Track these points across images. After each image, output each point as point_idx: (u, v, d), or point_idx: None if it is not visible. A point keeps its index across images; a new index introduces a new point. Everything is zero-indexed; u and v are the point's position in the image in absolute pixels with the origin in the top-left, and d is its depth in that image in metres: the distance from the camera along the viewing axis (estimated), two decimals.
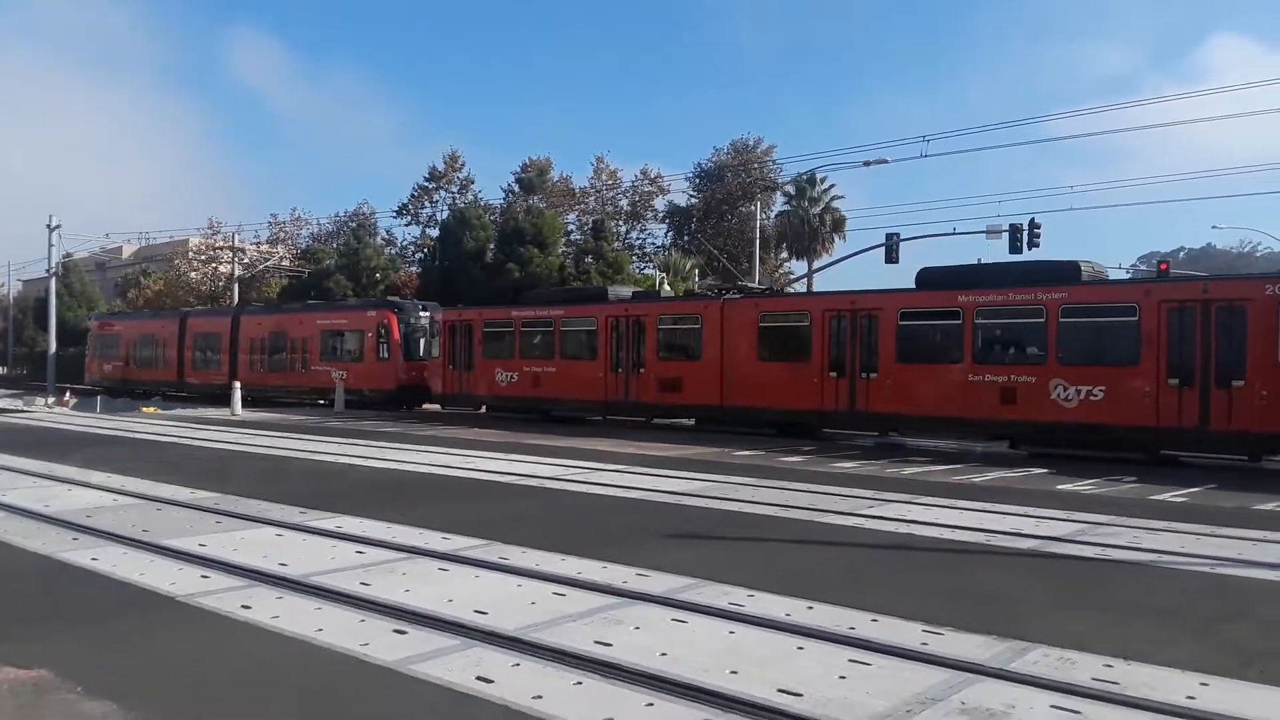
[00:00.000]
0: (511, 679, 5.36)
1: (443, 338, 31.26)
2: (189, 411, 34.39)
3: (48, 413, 33.35)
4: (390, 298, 41.05)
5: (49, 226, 40.35)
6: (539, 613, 6.77)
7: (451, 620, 6.51)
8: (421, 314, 34.82)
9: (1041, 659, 5.83)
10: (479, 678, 5.36)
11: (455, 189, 62.55)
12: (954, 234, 37.42)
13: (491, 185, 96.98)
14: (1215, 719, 4.86)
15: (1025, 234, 32.15)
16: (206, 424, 27.25)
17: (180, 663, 5.77)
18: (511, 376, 29.17)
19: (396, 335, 33.46)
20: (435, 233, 57.50)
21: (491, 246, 47.79)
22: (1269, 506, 13.01)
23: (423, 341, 34.21)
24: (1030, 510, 12.03)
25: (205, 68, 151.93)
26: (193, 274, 69.12)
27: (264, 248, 64.84)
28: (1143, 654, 5.97)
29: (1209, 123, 72.03)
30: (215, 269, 67.15)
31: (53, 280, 42.70)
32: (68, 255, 52.35)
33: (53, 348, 42.52)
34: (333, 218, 67.41)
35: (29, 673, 5.24)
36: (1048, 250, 33.89)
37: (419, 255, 61.62)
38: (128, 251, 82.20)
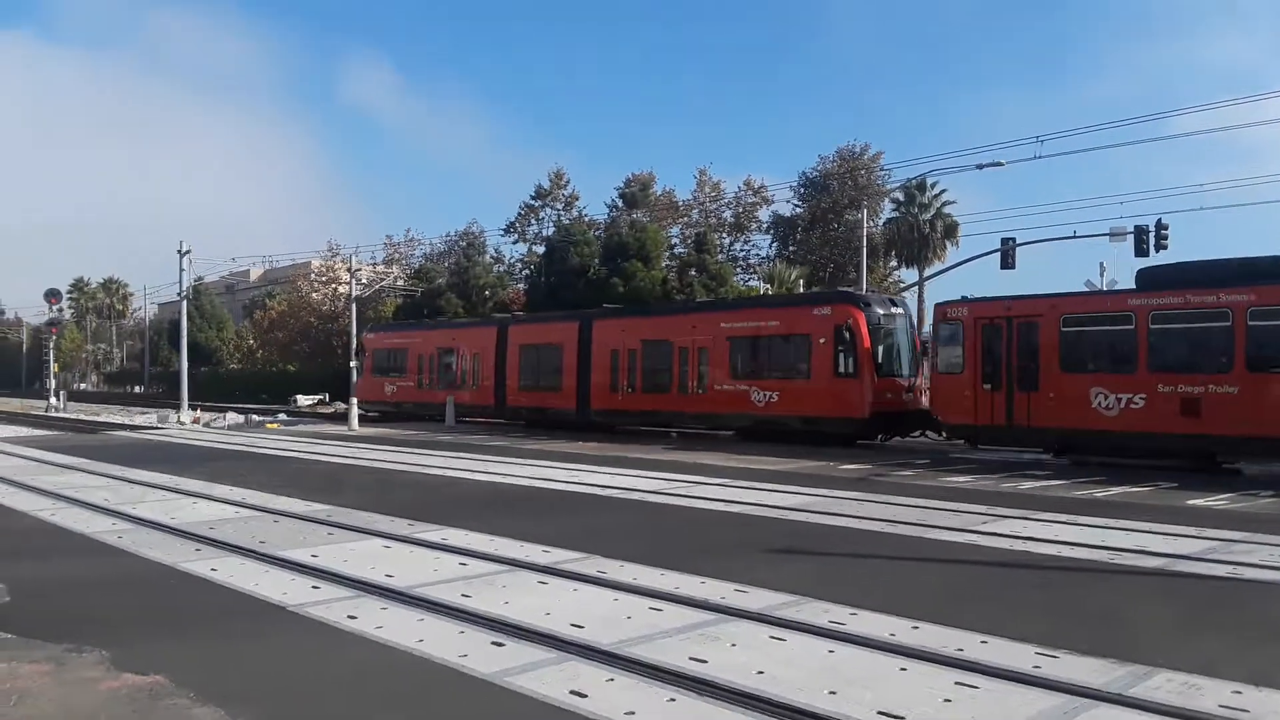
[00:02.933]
0: (605, 694, 5.33)
1: (970, 341, 21.45)
2: (309, 427, 35.80)
3: (179, 429, 35.18)
4: (847, 289, 30.98)
5: (180, 252, 42.59)
6: (635, 627, 6.73)
7: (548, 633, 6.53)
8: (894, 309, 25.67)
9: (1164, 684, 5.48)
10: (573, 692, 5.35)
11: (560, 206, 63.54)
12: (1075, 237, 36.03)
13: (596, 201, 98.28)
14: None
15: (1152, 236, 30.66)
16: (325, 439, 28.29)
17: (287, 671, 5.95)
18: (1130, 400, 18.97)
19: (866, 340, 23.69)
20: (541, 250, 58.49)
21: (596, 262, 48.30)
22: None
23: (903, 349, 25.17)
24: (1157, 527, 11.39)
25: (320, 92, 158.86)
26: (314, 294, 72.10)
27: (379, 268, 67.10)
28: (1276, 680, 5.54)
29: None
30: (335, 289, 69.89)
31: (184, 303, 45.05)
32: (198, 279, 55.18)
33: (184, 367, 44.79)
34: (444, 237, 69.40)
35: (146, 679, 5.48)
36: (1176, 253, 32.11)
37: (525, 272, 62.76)
38: (254, 274, 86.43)
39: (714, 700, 5.24)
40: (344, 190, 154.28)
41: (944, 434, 23.52)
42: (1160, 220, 30.86)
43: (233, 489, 14.80)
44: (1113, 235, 32.95)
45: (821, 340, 24.28)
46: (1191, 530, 11.17)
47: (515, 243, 65.78)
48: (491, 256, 64.26)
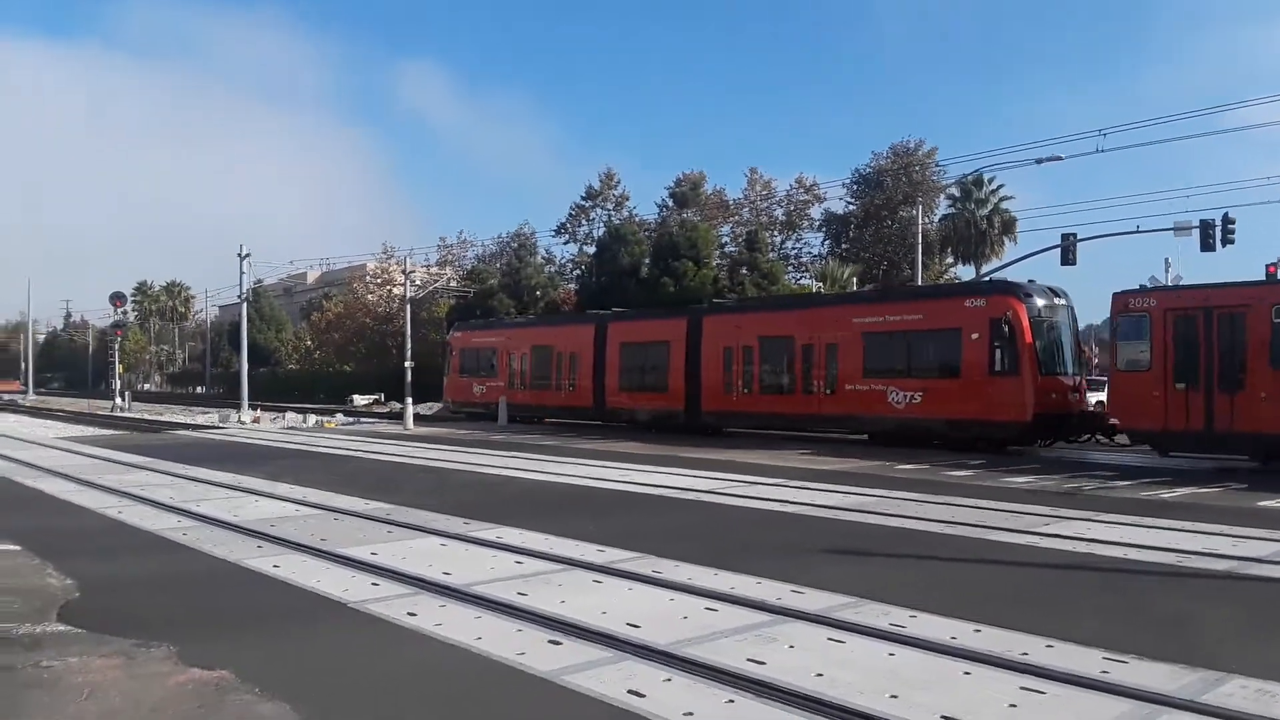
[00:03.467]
0: (663, 695, 5.31)
1: (1159, 335, 19.08)
2: (366, 426, 36.36)
3: (240, 428, 35.95)
4: (1005, 279, 26.93)
5: (240, 255, 43.56)
6: (691, 628, 6.71)
7: (604, 632, 6.54)
8: (1057, 300, 22.96)
9: (1238, 691, 5.31)
10: (630, 691, 5.34)
11: (611, 206, 63.66)
12: (1138, 232, 35.10)
13: (646, 201, 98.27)
14: None
15: (1218, 229, 29.80)
16: (381, 438, 28.69)
17: (349, 667, 6.03)
18: None
19: (1028, 334, 21.34)
20: (592, 250, 58.69)
21: (646, 261, 48.34)
22: None
23: (1066, 344, 22.82)
24: (1225, 529, 11.07)
25: (376, 97, 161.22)
26: (369, 296, 73.20)
27: (433, 270, 67.90)
28: None
29: None
30: (389, 290, 70.87)
31: (244, 306, 46.03)
32: (258, 282, 56.42)
33: (244, 368, 45.75)
34: (495, 238, 69.97)
35: (212, 673, 5.59)
36: (1243, 248, 31.24)
37: (576, 272, 63.03)
38: (311, 277, 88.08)
39: (773, 702, 5.20)
40: (399, 194, 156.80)
41: (1114, 438, 21.60)
42: (1227, 214, 30.00)
43: (293, 487, 15.08)
44: (1177, 230, 32.05)
45: (975, 335, 22.04)
46: (1262, 532, 10.84)
47: (566, 243, 66.11)
48: (543, 257, 64.64)
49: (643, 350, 31.01)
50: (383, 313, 71.09)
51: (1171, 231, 32.34)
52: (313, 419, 38.98)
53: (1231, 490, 15.30)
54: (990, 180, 54.34)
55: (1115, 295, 21.15)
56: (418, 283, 58.31)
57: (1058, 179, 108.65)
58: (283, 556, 9.47)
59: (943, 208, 57.44)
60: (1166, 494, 14.94)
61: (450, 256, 72.16)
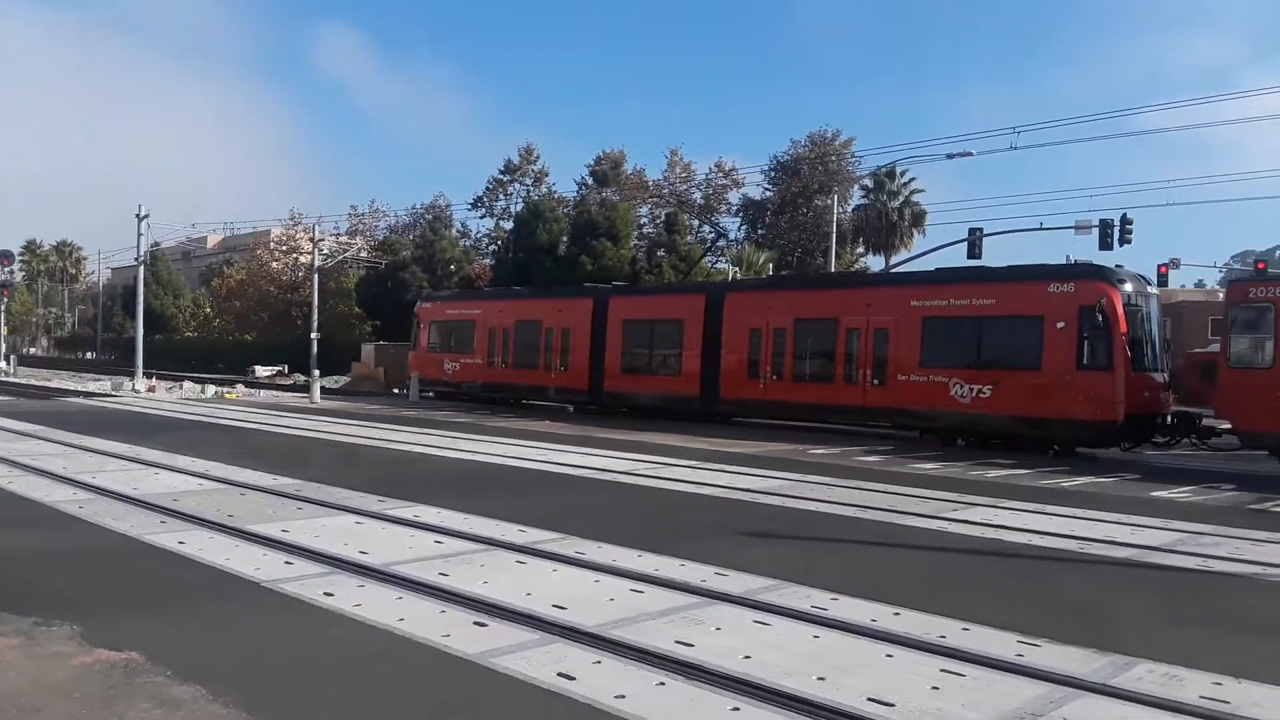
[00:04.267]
0: (594, 677, 5.27)
1: None
2: (270, 399, 35.31)
3: (135, 397, 34.50)
4: (1091, 262, 22.88)
5: (138, 216, 41.57)
6: (618, 609, 6.68)
7: (531, 614, 6.46)
8: (1148, 288, 21.16)
9: (1146, 675, 5.53)
10: (561, 674, 5.28)
11: (529, 181, 63.08)
12: (1041, 229, 36.37)
13: (565, 178, 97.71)
14: None
15: (1116, 230, 31.09)
16: (287, 411, 27.90)
17: (267, 648, 5.81)
18: None
19: (1122, 324, 19.30)
20: (509, 225, 58.04)
21: (565, 239, 48.05)
22: None
23: (1156, 337, 20.74)
24: (1125, 517, 11.57)
25: (290, 60, 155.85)
26: (274, 264, 70.97)
27: (342, 238, 66.19)
28: (1254, 672, 5.62)
29: None
30: (296, 259, 68.82)
31: (141, 269, 44.05)
32: (155, 245, 53.99)
33: (140, 334, 43.85)
34: (409, 210, 68.60)
35: (120, 654, 5.32)
36: (1139, 248, 32.66)
37: (493, 247, 62.29)
38: (212, 241, 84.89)
39: (704, 684, 5.20)
40: (309, 160, 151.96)
41: (1209, 441, 19.61)
42: (1125, 215, 31.32)
43: (195, 460, 14.51)
44: (1078, 228, 33.35)
45: (1060, 324, 19.71)
46: (1158, 522, 11.35)
47: (483, 217, 65.34)
48: (458, 231, 63.72)
49: (650, 329, 28.24)
50: (288, 281, 69.12)
51: (1073, 230, 33.67)
52: (212, 389, 37.64)
53: (1126, 480, 16.01)
54: (903, 173, 55.66)
55: (1232, 284, 20.26)
56: (326, 251, 56.60)
57: (968, 175, 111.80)
58: (188, 533, 9.09)
59: (856, 198, 58.61)
60: (1066, 483, 15.56)
61: (361, 226, 70.42)
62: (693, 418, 26.07)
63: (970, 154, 35.83)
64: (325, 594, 6.94)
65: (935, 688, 5.27)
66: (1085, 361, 19.60)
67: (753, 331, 25.21)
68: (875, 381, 22.59)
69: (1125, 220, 30.51)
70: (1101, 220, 31.01)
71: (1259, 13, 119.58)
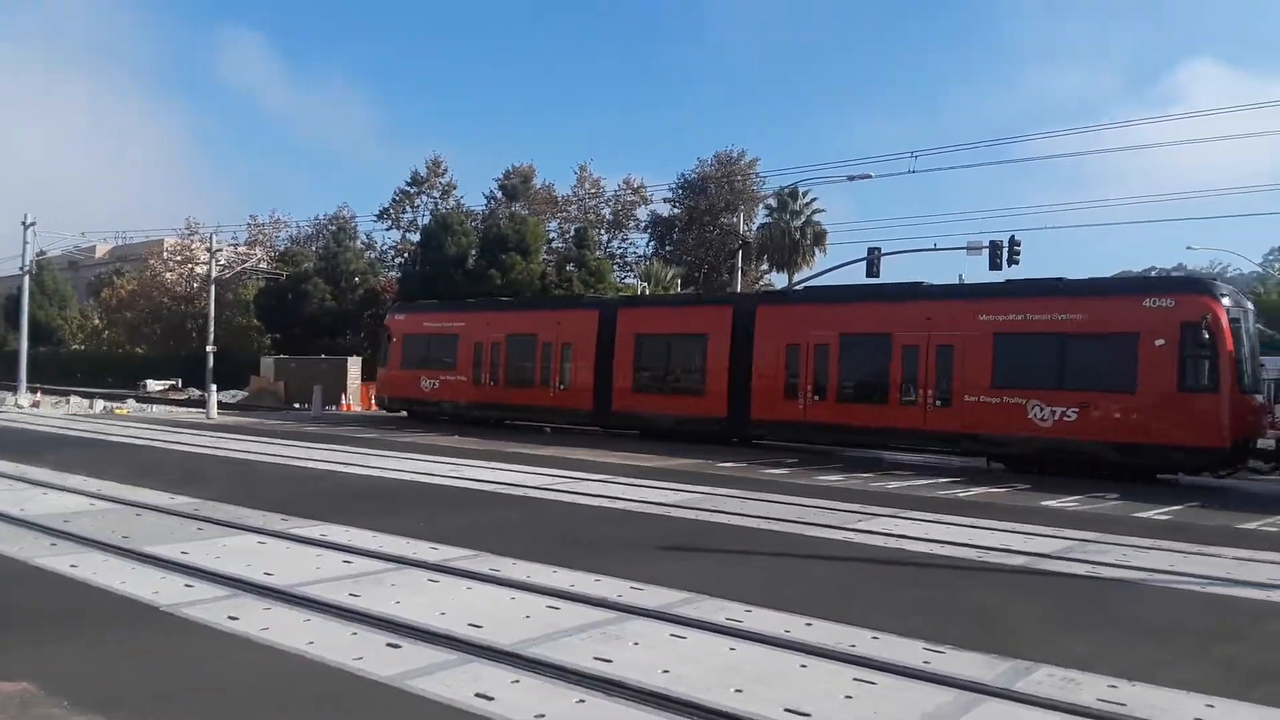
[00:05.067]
0: (512, 696, 5.24)
1: None
2: (163, 414, 33.97)
3: (18, 412, 32.76)
4: (1189, 275, 20.76)
5: (24, 224, 39.68)
6: (534, 627, 6.65)
7: (445, 634, 6.37)
8: (1246, 303, 19.78)
9: (1046, 679, 5.78)
10: (478, 694, 5.23)
11: (437, 194, 62.45)
12: (935, 249, 37.73)
13: (474, 191, 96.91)
14: None
15: (1005, 251, 32.39)
16: (182, 427, 26.89)
17: (170, 676, 5.59)
18: None
19: (1228, 342, 17.92)
20: (416, 238, 57.25)
21: (473, 253, 47.64)
22: (1251, 525, 13.11)
23: (1255, 356, 19.48)
24: (1018, 526, 12.05)
25: (191, 66, 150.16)
26: (168, 274, 68.41)
27: (241, 249, 64.26)
28: (1145, 674, 5.93)
29: (1182, 146, 73.16)
30: (191, 269, 66.49)
31: (26, 278, 41.96)
32: (41, 253, 51.48)
33: (24, 346, 41.70)
34: (312, 220, 67.10)
35: (13, 685, 5.05)
36: (1026, 269, 34.13)
37: (399, 260, 61.34)
38: (102, 251, 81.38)
39: (623, 700, 5.22)
40: (211, 170, 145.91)
41: None
42: (1013, 236, 32.66)
43: (86, 479, 13.87)
44: (970, 249, 34.68)
45: (1159, 341, 18.20)
46: (1049, 530, 11.86)
47: (389, 229, 64.36)
48: (363, 242, 62.57)
49: (668, 344, 26.26)
50: (183, 293, 66.82)
51: (965, 250, 35.00)
52: (101, 404, 36.01)
53: (1018, 490, 16.67)
54: (805, 193, 56.96)
55: None
56: (223, 262, 54.84)
57: (868, 196, 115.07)
58: (81, 555, 8.68)
59: (761, 217, 59.76)
60: (962, 493, 16.11)
61: (261, 236, 68.64)
62: (717, 440, 24.45)
63: (869, 176, 36.92)
64: (230, 617, 6.72)
65: (849, 696, 5.40)
66: (1188, 382, 18.13)
67: (790, 347, 23.38)
68: (938, 403, 20.96)
69: (1013, 241, 31.82)
70: (991, 241, 32.28)
71: (1131, 45, 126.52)
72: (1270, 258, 76.78)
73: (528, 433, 27.35)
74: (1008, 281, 23.16)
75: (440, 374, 31.00)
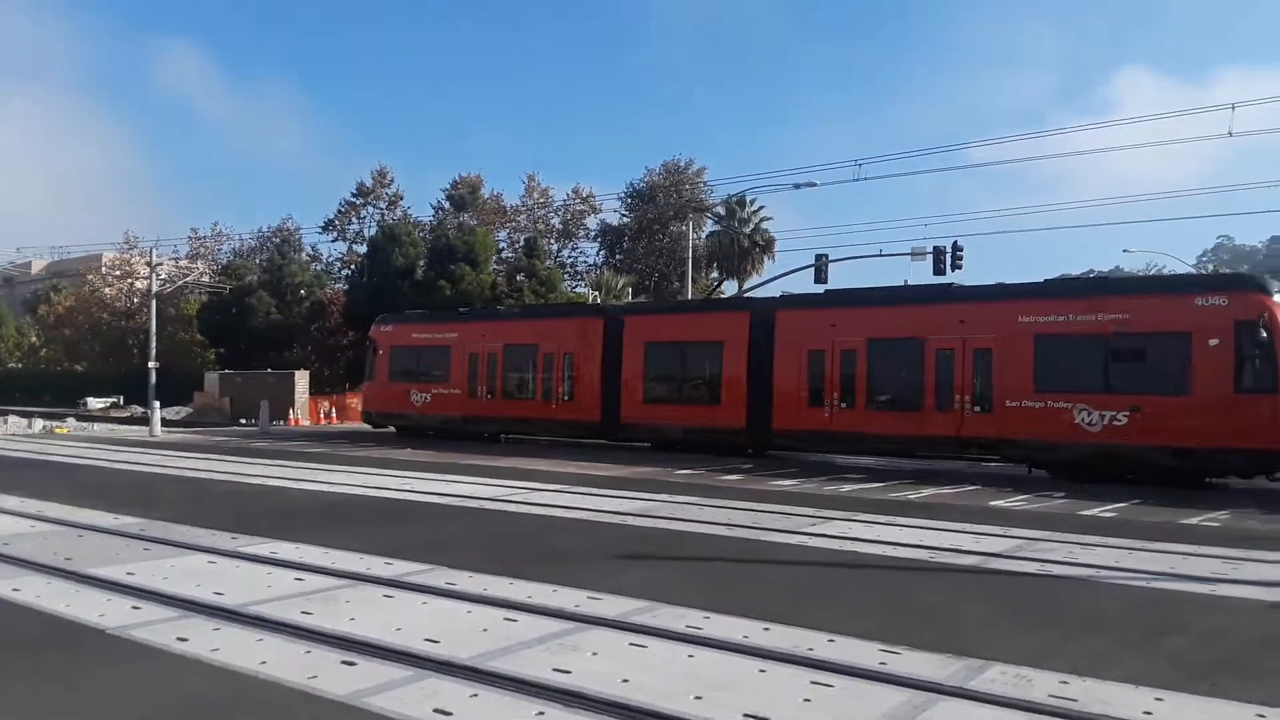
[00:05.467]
0: (471, 711, 5.19)
1: None
2: (105, 433, 33.14)
3: None
4: (1238, 272, 20.12)
5: None
6: (492, 640, 6.60)
7: (402, 650, 6.30)
8: None
9: (999, 677, 5.88)
10: (437, 710, 5.18)
11: (384, 205, 61.84)
12: (880, 255, 38.31)
13: (421, 202, 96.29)
14: None
15: (949, 256, 32.94)
16: (125, 445, 26.25)
17: (118, 700, 5.46)
18: None
19: None
20: (363, 249, 56.63)
21: (422, 263, 47.22)
22: (1194, 521, 13.46)
23: None
24: (968, 527, 12.24)
25: (129, 77, 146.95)
26: (107, 290, 66.83)
27: (183, 263, 63.01)
28: (1095, 670, 6.06)
29: (1119, 151, 75.15)
30: (131, 284, 65.04)
31: None
32: None
33: None
34: (255, 233, 66.04)
35: None
36: (969, 273, 34.75)
37: (345, 272, 60.60)
38: (38, 266, 79.38)
39: (584, 711, 5.20)
40: (150, 183, 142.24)
41: None
42: (956, 242, 33.24)
43: (26, 500, 13.48)
44: (914, 254, 35.27)
45: (1213, 341, 17.62)
46: (998, 530, 12.06)
47: (334, 241, 63.62)
48: (308, 255, 61.72)
49: (681, 352, 25.21)
50: (123, 308, 65.28)
51: (909, 256, 35.58)
52: (40, 424, 34.99)
53: (967, 492, 16.94)
54: (753, 201, 57.56)
55: None
56: (164, 276, 53.84)
57: (815, 204, 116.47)
58: (22, 578, 8.43)
59: (709, 225, 60.15)
60: (913, 495, 16.33)
61: (203, 250, 67.42)
62: (735, 451, 23.74)
63: (815, 184, 37.54)
64: (179, 639, 6.57)
65: (807, 700, 5.44)
66: (1245, 383, 17.56)
67: (813, 354, 22.42)
68: (975, 409, 20.14)
69: (956, 247, 32.36)
70: (935, 247, 32.82)
71: (1069, 53, 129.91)
72: (1203, 259, 79.18)
73: (485, 445, 27.14)
74: (1048, 281, 22.30)
75: (432, 387, 29.68)
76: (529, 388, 27.83)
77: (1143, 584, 8.95)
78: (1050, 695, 5.52)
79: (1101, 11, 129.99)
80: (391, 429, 31.11)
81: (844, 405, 21.94)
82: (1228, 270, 60.25)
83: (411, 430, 29.93)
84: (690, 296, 43.97)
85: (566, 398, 26.84)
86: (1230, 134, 32.03)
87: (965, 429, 20.26)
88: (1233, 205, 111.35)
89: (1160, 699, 5.49)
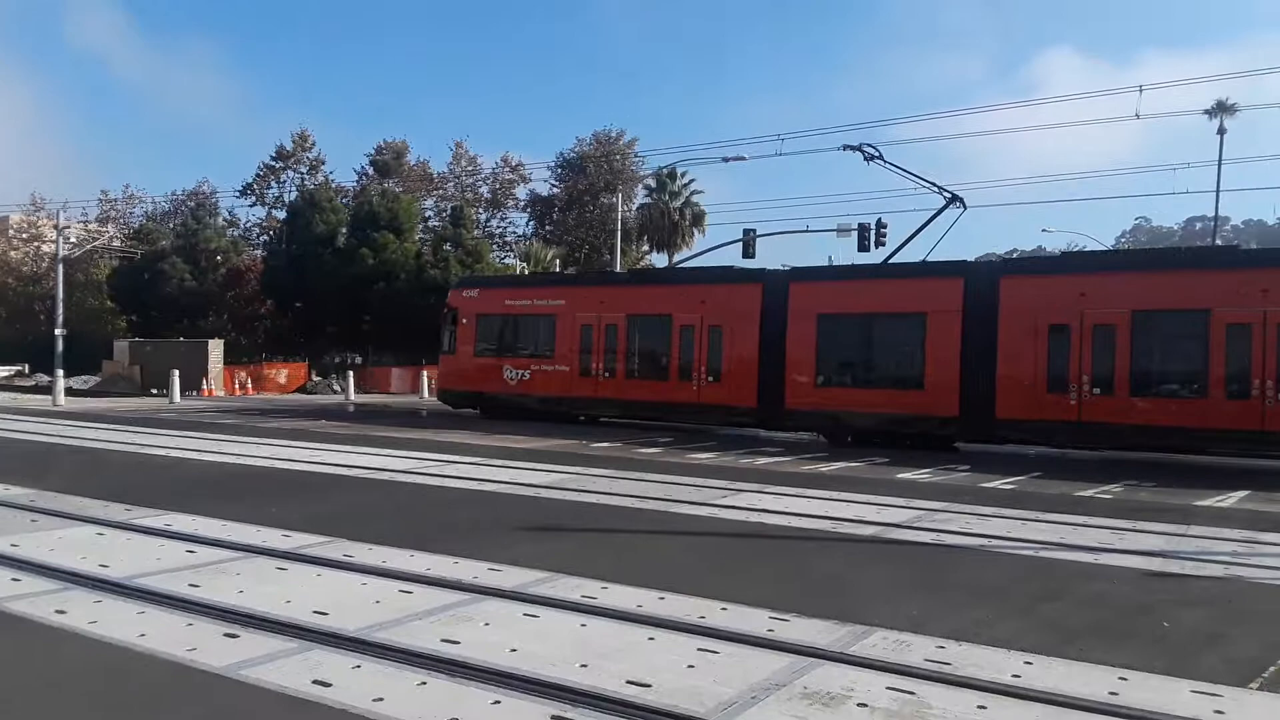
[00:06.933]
0: (351, 681, 5.14)
1: None
2: (6, 400, 31.87)
3: None
4: None
5: None
6: (384, 612, 6.53)
7: (288, 622, 6.20)
8: None
9: (880, 641, 6.03)
10: (316, 681, 5.11)
11: (305, 169, 60.31)
12: (807, 231, 38.74)
13: (344, 167, 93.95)
14: (1037, 695, 5.11)
15: (873, 233, 33.43)
16: (24, 415, 25.29)
17: None
18: None
19: None
20: (283, 215, 55.21)
21: (344, 231, 46.21)
22: (1088, 493, 13.96)
23: None
24: (872, 498, 12.52)
25: (36, 31, 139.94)
26: (12, 253, 64.09)
27: (92, 227, 60.64)
28: (973, 634, 6.26)
29: (1040, 131, 76.98)
30: (37, 248, 62.47)
31: None
32: None
33: None
34: (169, 196, 63.88)
35: None
36: (892, 250, 35.27)
37: (264, 238, 59.07)
38: None
39: (466, 680, 5.19)
40: (59, 143, 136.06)
41: None
42: (880, 219, 33.74)
43: None
44: (839, 231, 35.75)
45: None
46: (901, 501, 12.36)
47: (253, 206, 61.87)
48: (225, 219, 59.94)
49: (864, 325, 21.73)
50: (29, 273, 62.71)
51: (835, 232, 36.05)
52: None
53: (875, 465, 17.31)
54: (684, 174, 57.59)
55: None
56: (73, 240, 51.71)
57: (747, 177, 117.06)
58: None
59: (640, 197, 60.06)
60: (825, 468, 16.63)
61: (114, 213, 64.99)
62: (940, 444, 20.38)
63: (744, 158, 37.58)
64: (57, 611, 6.37)
65: (691, 666, 5.51)
66: None
67: (1055, 329, 19.15)
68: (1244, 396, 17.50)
69: (880, 224, 32.86)
70: (860, 224, 33.26)
71: (997, 33, 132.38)
72: (1121, 239, 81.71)
73: (398, 418, 26.75)
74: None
75: (531, 363, 26.13)
76: (661, 366, 24.10)
77: (1030, 553, 9.26)
78: (926, 659, 5.68)
79: None
80: (474, 410, 27.42)
81: (1096, 391, 18.70)
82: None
83: (501, 411, 26.30)
84: (620, 268, 43.79)
85: (711, 379, 23.15)
86: (1138, 116, 32.98)
87: (1268, 422, 17.23)
88: (1154, 187, 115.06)
89: (1029, 662, 5.69)
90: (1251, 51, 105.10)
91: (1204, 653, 6.09)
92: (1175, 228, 79.57)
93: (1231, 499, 13.70)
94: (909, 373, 20.97)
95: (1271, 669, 5.76)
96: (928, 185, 23.94)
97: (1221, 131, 48.71)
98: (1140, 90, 28.14)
